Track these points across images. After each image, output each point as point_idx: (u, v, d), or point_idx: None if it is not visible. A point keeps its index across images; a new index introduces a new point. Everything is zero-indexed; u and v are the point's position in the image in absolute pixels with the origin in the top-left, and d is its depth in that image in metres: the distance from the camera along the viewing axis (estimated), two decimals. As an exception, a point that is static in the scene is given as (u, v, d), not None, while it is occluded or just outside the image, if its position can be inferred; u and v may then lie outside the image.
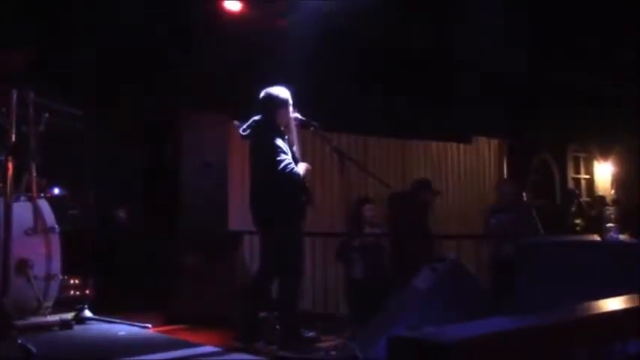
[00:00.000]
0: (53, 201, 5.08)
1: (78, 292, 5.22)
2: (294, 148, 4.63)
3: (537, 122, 9.48)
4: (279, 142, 4.45)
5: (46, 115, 4.74)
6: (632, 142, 10.15)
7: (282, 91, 4.64)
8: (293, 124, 4.68)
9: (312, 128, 4.77)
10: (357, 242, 6.12)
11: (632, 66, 7.85)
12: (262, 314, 4.84)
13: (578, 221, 9.30)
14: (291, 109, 4.65)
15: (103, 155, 5.80)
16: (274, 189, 4.43)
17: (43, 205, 4.86)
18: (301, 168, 4.50)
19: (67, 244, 4.94)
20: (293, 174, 4.38)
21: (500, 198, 6.47)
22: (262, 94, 4.65)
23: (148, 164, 6.48)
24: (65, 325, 4.53)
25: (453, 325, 1.88)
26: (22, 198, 4.74)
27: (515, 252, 5.08)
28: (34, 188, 4.79)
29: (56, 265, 4.78)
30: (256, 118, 4.64)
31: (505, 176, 9.60)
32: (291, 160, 4.42)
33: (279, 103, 4.60)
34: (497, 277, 5.80)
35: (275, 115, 4.59)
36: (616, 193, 10.21)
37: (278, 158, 4.36)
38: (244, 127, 4.67)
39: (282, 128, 4.62)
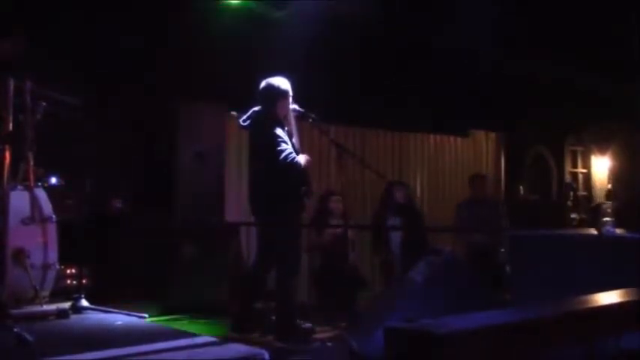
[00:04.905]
0: (50, 190, 5.07)
1: (75, 282, 5.22)
2: (294, 139, 4.63)
3: (535, 116, 9.48)
4: (280, 132, 4.45)
5: (44, 104, 4.72)
6: (629, 137, 10.16)
7: (282, 82, 4.62)
8: (292, 115, 4.67)
9: (310, 120, 4.77)
10: (326, 234, 6.18)
11: (630, 63, 7.85)
12: (259, 305, 4.85)
13: (575, 215, 9.31)
14: (290, 100, 4.64)
15: (101, 145, 5.79)
16: (274, 179, 4.43)
17: (40, 194, 4.85)
18: (302, 159, 4.49)
19: (64, 233, 4.93)
20: (294, 164, 4.38)
21: (472, 192, 6.65)
22: (263, 84, 4.63)
23: (146, 154, 6.47)
24: (62, 314, 4.53)
25: (449, 317, 1.89)
26: (19, 187, 4.73)
27: (510, 246, 5.13)
28: (31, 177, 4.78)
29: (53, 254, 4.78)
30: (256, 108, 4.64)
31: (502, 170, 9.61)
32: (292, 150, 4.42)
33: (279, 93, 4.59)
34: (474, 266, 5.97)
35: (275, 106, 4.58)
36: (613, 187, 10.21)
37: (279, 148, 4.36)
38: (244, 117, 4.67)
39: (282, 119, 4.61)
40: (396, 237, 6.46)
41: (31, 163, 4.75)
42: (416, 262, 4.59)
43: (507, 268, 5.90)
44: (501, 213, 6.54)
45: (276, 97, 4.58)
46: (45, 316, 4.47)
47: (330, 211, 6.30)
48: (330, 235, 6.19)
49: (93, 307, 4.82)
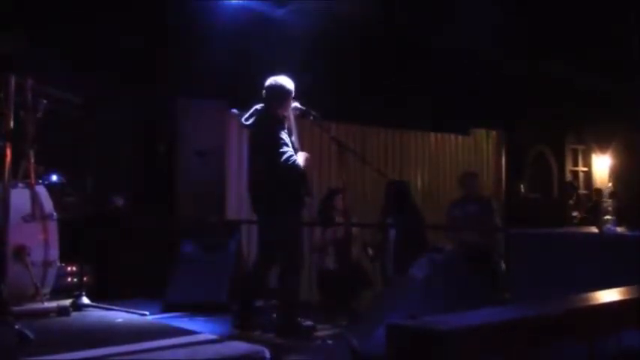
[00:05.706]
0: (51, 188, 5.07)
1: (75, 279, 5.22)
2: (294, 137, 4.63)
3: (535, 115, 9.49)
4: (282, 133, 4.45)
5: (45, 101, 4.72)
6: (630, 135, 10.18)
7: (288, 82, 4.62)
8: (292, 112, 4.67)
9: (311, 118, 4.76)
10: (331, 233, 6.19)
11: (630, 63, 7.87)
12: (260, 303, 4.86)
13: (575, 214, 9.33)
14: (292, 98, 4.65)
15: (102, 143, 5.79)
16: (274, 178, 4.43)
17: (41, 191, 4.86)
18: (301, 158, 4.50)
19: (65, 231, 4.94)
20: (295, 166, 4.38)
21: (464, 190, 6.66)
22: (270, 82, 4.61)
23: (147, 152, 6.48)
24: (63, 311, 4.53)
25: (450, 314, 1.90)
26: (20, 184, 4.73)
27: (510, 245, 5.13)
28: (32, 175, 4.78)
29: (54, 251, 4.78)
30: (258, 106, 4.63)
31: (503, 168, 9.61)
32: (292, 152, 4.42)
33: (284, 93, 4.59)
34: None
35: (278, 105, 4.57)
36: (614, 185, 10.23)
37: (280, 150, 4.36)
38: (246, 115, 4.66)
39: (283, 118, 4.62)
40: (393, 234, 6.47)
41: (32, 160, 4.75)
42: (412, 260, 4.60)
43: (502, 267, 5.90)
44: (494, 211, 6.53)
45: (281, 97, 4.58)
46: (46, 313, 4.48)
47: (336, 208, 6.32)
48: (335, 233, 6.19)
49: (94, 304, 4.83)
